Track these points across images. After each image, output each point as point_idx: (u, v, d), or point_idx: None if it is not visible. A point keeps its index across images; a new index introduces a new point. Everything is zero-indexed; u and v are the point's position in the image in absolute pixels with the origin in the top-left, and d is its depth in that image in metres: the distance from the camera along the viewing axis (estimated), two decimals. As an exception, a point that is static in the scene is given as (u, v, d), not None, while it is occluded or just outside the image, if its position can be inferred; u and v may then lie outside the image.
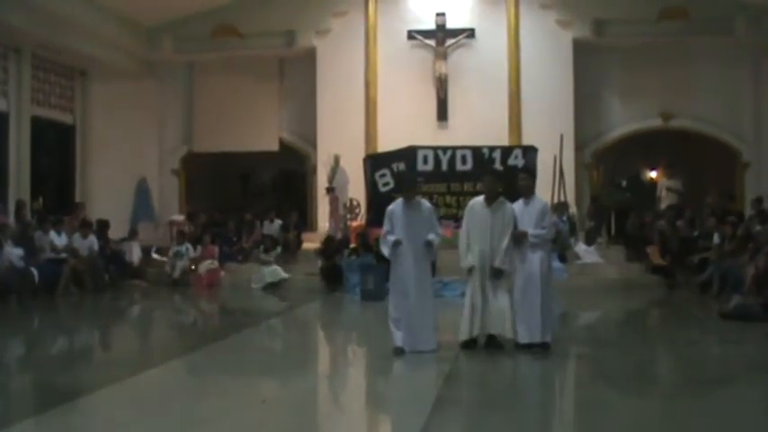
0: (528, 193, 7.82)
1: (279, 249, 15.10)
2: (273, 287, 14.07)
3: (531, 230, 7.56)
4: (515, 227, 7.61)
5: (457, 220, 14.16)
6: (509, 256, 7.55)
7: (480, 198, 7.80)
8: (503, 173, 14.29)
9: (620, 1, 17.13)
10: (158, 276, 14.96)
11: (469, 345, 7.61)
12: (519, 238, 7.55)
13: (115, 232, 15.60)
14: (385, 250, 7.73)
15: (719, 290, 11.72)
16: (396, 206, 7.76)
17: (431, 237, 7.63)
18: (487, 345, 7.58)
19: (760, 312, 9.49)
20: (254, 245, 15.63)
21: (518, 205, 7.74)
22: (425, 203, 8.00)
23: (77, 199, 17.02)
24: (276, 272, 14.33)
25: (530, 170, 8.51)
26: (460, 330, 7.65)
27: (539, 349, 7.45)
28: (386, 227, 7.72)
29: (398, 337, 7.53)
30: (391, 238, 7.59)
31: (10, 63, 15.07)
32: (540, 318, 7.44)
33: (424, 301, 7.65)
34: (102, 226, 15.19)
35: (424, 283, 7.73)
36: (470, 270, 7.62)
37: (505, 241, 7.52)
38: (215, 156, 18.81)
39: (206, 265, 14.73)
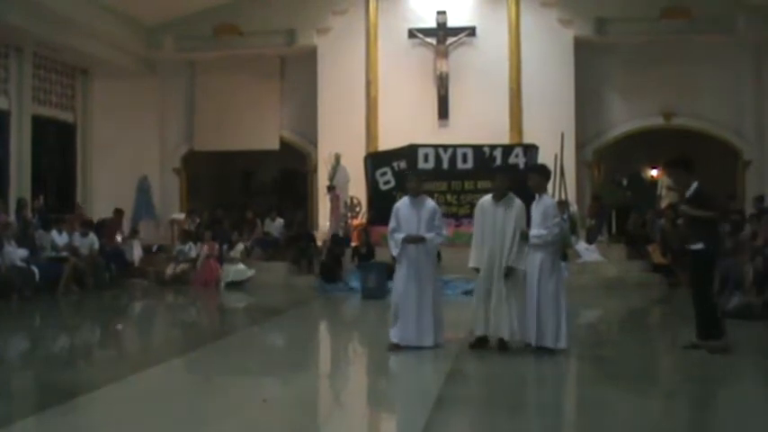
0: (538, 191, 7.69)
1: (241, 246, 15.12)
2: (238, 285, 14.10)
3: (532, 231, 7.48)
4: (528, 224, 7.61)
5: (458, 218, 14.21)
6: (521, 254, 7.48)
7: (488, 196, 7.81)
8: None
9: (621, -1, 17.14)
10: (158, 275, 14.95)
11: (479, 343, 7.58)
12: (523, 237, 7.51)
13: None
14: (393, 248, 7.83)
15: (720, 289, 11.70)
16: (401, 203, 7.95)
17: (428, 235, 7.69)
18: (499, 348, 7.55)
19: (761, 311, 9.49)
20: (254, 243, 15.65)
21: (534, 203, 7.68)
22: (430, 201, 8.02)
23: (78, 197, 17.05)
24: (240, 270, 14.34)
25: (540, 167, 8.36)
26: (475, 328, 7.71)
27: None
28: (392, 224, 7.85)
29: (395, 333, 7.62)
30: (399, 235, 7.72)
31: (11, 62, 15.06)
32: (527, 318, 7.38)
33: (425, 298, 7.67)
34: (116, 213, 15.63)
35: (426, 280, 7.74)
36: (477, 270, 7.66)
37: (515, 238, 7.48)
38: (216, 154, 18.84)
39: (199, 262, 14.72)
